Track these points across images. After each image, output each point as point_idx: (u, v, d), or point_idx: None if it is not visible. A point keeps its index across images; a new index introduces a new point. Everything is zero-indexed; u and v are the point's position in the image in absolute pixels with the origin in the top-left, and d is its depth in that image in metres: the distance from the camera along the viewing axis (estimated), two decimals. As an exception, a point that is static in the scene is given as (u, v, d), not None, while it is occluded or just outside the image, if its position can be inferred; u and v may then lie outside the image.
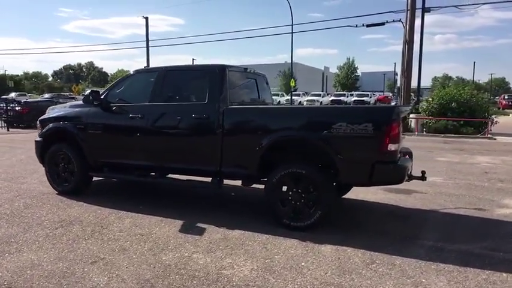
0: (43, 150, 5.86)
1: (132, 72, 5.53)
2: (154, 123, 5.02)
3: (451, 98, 16.22)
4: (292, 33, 32.74)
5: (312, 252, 3.78)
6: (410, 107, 5.82)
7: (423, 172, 4.79)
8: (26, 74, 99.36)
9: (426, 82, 72.55)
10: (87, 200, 5.44)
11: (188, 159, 4.93)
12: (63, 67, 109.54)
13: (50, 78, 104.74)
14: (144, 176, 5.34)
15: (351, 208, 5.54)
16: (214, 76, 4.77)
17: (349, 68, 57.37)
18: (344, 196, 5.83)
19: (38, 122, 6.03)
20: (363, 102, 38.62)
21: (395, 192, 6.27)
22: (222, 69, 4.78)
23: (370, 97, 41.63)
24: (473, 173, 8.15)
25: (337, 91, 53.74)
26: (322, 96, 42.04)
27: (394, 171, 4.04)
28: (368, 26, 18.78)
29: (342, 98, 40.96)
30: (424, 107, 17.35)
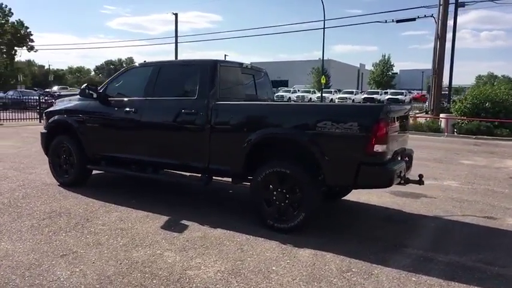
0: (47, 142, 6.01)
1: (130, 67, 5.53)
2: (147, 118, 5.00)
3: (486, 97, 15.29)
4: (324, 28, 32.19)
5: (288, 256, 3.61)
6: (409, 106, 5.42)
7: (420, 176, 4.49)
8: (70, 68, 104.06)
9: (469, 81, 69.22)
10: (85, 192, 5.52)
11: (178, 155, 4.88)
12: (105, 62, 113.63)
13: (92, 73, 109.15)
14: (139, 171, 5.34)
15: (346, 211, 5.30)
16: (205, 71, 4.67)
17: (385, 65, 55.57)
18: (344, 198, 5.60)
19: (44, 114, 6.18)
20: (397, 100, 37.32)
21: (402, 196, 5.96)
22: (212, 64, 4.68)
23: (405, 95, 40.16)
24: (496, 178, 7.61)
25: (371, 89, 52.29)
26: (355, 94, 41.06)
27: (380, 173, 3.78)
28: (398, 21, 18.05)
29: (374, 96, 39.75)
30: (457, 107, 16.47)
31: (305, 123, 4.02)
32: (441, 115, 16.48)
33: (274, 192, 4.18)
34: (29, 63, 71.29)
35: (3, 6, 34.29)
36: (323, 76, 34.20)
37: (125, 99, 5.27)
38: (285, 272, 3.28)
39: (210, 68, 4.65)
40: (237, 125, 4.40)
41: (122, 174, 5.78)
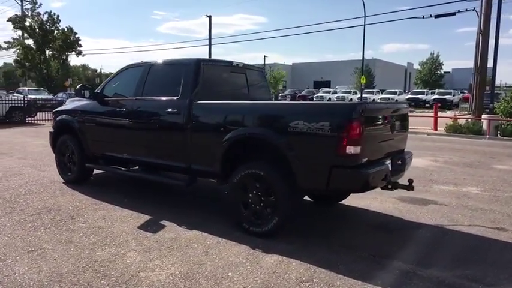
0: (54, 141, 6.26)
1: (125, 67, 5.61)
2: (135, 118, 5.03)
3: (535, 97, 14.00)
4: (364, 25, 31.17)
5: (251, 261, 3.45)
6: (405, 105, 5.00)
7: (410, 181, 4.14)
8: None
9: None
10: (84, 190, 5.67)
11: (163, 155, 4.87)
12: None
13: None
14: (132, 171, 5.41)
15: (339, 216, 5.01)
16: (188, 70, 4.61)
17: (433, 64, 52.76)
18: (344, 202, 5.32)
19: (52, 114, 6.45)
20: (444, 100, 35.34)
21: (408, 202, 5.56)
22: (196, 63, 4.61)
23: (454, 95, 37.87)
24: (527, 185, 6.90)
25: (417, 88, 49.91)
26: (398, 94, 39.34)
27: (352, 177, 3.50)
28: (437, 16, 17.02)
29: (419, 96, 37.87)
30: (502, 107, 15.25)
31: (278, 122, 3.84)
32: (483, 116, 15.34)
33: (250, 195, 4.03)
34: (83, 67, 75.61)
35: (52, 14, 36.86)
36: (362, 76, 33.13)
37: (118, 99, 5.35)
38: (239, 279, 3.13)
39: (193, 67, 4.58)
40: (215, 125, 4.30)
41: (114, 173, 5.86)
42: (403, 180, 4.32)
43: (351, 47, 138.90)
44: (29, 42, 37.09)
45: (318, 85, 60.71)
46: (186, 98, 4.51)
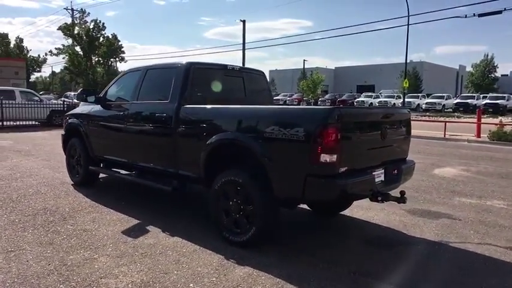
0: (65, 144, 6.46)
1: (126, 71, 5.68)
2: (130, 121, 5.05)
3: None
4: (408, 25, 29.95)
5: (219, 273, 3.30)
6: (404, 110, 4.62)
7: (402, 192, 3.79)
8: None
9: None
10: (88, 192, 5.79)
11: (154, 159, 4.85)
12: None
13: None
14: (128, 175, 5.45)
15: (334, 227, 4.72)
16: (178, 74, 4.56)
17: (486, 66, 49.54)
18: (347, 213, 5.03)
19: (64, 117, 6.67)
20: (496, 105, 33.11)
21: (418, 215, 5.17)
22: (186, 67, 4.55)
23: (508, 100, 35.30)
24: None
25: (469, 92, 47.08)
26: (446, 98, 37.38)
27: (327, 187, 3.25)
28: (480, 15, 15.91)
29: (469, 100, 35.65)
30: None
31: (255, 128, 3.67)
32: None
33: (230, 203, 3.88)
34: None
35: (98, 21, 38.99)
36: (405, 80, 31.76)
37: (117, 103, 5.41)
38: (198, 291, 2.99)
39: (183, 71, 4.52)
40: (200, 130, 4.20)
41: (114, 176, 5.91)
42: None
43: (401, 50, 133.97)
44: (77, 49, 39.51)
45: (362, 89, 59.11)
46: (175, 102, 4.46)
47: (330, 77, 69.45)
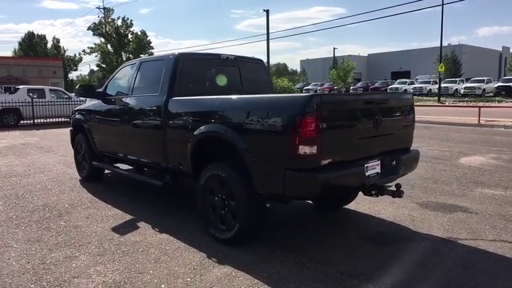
0: (72, 139, 6.52)
1: (124, 64, 5.60)
2: (125, 116, 4.97)
3: None
4: (442, 4, 28.25)
5: (195, 273, 3.14)
6: (405, 96, 4.21)
7: (398, 186, 3.46)
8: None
9: None
10: (93, 187, 5.82)
11: (147, 154, 4.75)
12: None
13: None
14: (125, 170, 5.40)
15: (335, 222, 4.42)
16: (168, 66, 4.40)
17: (532, 46, 46.17)
18: (354, 205, 4.73)
19: (72, 113, 6.73)
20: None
21: (430, 208, 4.78)
22: (175, 58, 4.38)
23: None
24: None
25: (512, 75, 44.12)
26: (486, 82, 35.19)
27: (306, 182, 2.98)
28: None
29: (511, 84, 33.39)
30: None
31: (235, 119, 3.45)
32: None
33: (216, 198, 3.70)
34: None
35: (125, 18, 39.78)
36: (441, 64, 30.18)
37: (114, 97, 5.35)
38: (168, 293, 2.84)
39: (172, 63, 4.35)
40: (186, 122, 4.02)
41: (113, 171, 5.86)
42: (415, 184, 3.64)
43: (438, 33, 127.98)
44: (108, 47, 40.59)
45: (397, 76, 56.94)
46: (163, 95, 4.31)
47: (362, 64, 67.45)
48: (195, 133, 3.79)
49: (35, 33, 52.47)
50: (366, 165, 3.39)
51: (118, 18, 40.39)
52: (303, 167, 2.97)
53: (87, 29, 39.89)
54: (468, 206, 4.87)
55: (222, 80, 4.75)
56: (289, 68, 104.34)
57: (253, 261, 3.33)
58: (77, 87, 5.56)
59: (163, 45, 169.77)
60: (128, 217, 4.53)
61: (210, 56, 4.86)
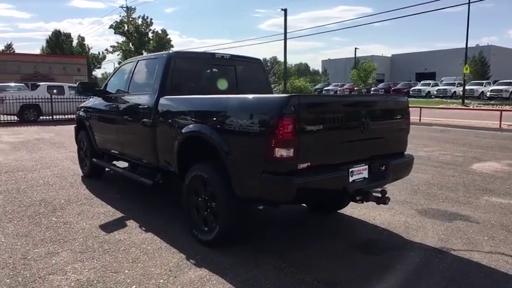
0: (76, 136, 6.61)
1: (123, 62, 5.63)
2: (121, 114, 4.99)
3: None
4: (469, 3, 27.34)
5: (169, 275, 3.09)
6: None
7: (383, 192, 3.31)
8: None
9: None
10: (92, 184, 5.89)
11: (140, 152, 4.75)
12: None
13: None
14: (120, 168, 5.43)
15: (325, 227, 4.28)
16: (160, 65, 4.39)
17: None
18: (348, 210, 4.60)
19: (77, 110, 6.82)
20: None
21: (429, 216, 4.61)
22: (167, 57, 4.37)
23: None
24: None
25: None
26: (514, 85, 33.87)
27: (281, 186, 2.89)
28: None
29: (542, 86, 32.02)
30: None
31: (217, 119, 3.38)
32: None
33: (199, 199, 3.66)
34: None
35: (145, 17, 40.41)
36: (466, 66, 29.24)
37: (112, 95, 5.38)
38: (137, 294, 2.81)
39: (164, 62, 4.34)
40: (173, 122, 3.99)
41: (109, 168, 5.89)
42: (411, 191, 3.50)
43: (470, 34, 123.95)
44: (130, 45, 41.36)
45: (421, 77, 55.55)
46: (155, 93, 4.30)
47: (386, 65, 66.23)
48: (181, 133, 3.75)
49: (62, 32, 54.03)
50: (350, 170, 3.26)
51: (138, 17, 41.15)
52: (279, 171, 2.88)
53: (109, 28, 40.85)
54: (470, 214, 4.66)
55: (215, 80, 4.70)
56: (310, 68, 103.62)
57: (231, 264, 3.26)
58: (77, 84, 5.63)
59: (187, 44, 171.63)
60: (119, 215, 4.54)
61: (204, 55, 4.82)
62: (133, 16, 40.43)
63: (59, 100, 16.15)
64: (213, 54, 4.78)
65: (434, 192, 5.67)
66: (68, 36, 53.66)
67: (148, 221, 4.32)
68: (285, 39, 22.17)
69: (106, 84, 5.67)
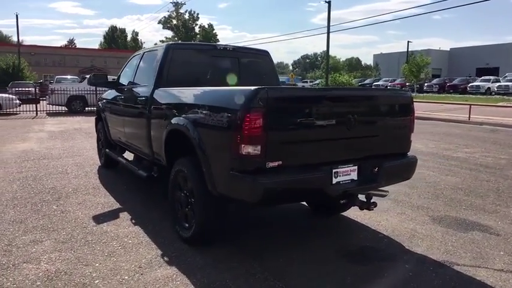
0: (96, 126, 6.78)
1: (133, 54, 5.63)
2: (125, 106, 5.01)
3: None
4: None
5: (136, 272, 3.00)
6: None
7: (368, 196, 2.99)
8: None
9: None
10: (105, 174, 6.04)
11: (139, 144, 4.71)
12: (301, 57, 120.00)
13: (290, 67, 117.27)
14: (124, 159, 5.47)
15: (322, 230, 4.00)
16: (159, 57, 4.32)
17: None
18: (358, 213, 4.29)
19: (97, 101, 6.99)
20: None
21: (442, 224, 4.20)
22: (165, 48, 4.28)
23: None
24: None
25: None
26: None
27: (246, 186, 2.67)
28: None
29: None
30: None
31: (195, 113, 3.22)
32: None
33: (182, 195, 3.54)
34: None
35: (192, 12, 41.04)
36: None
37: (121, 87, 5.41)
38: (96, 290, 2.74)
39: (162, 54, 4.26)
40: (163, 115, 3.90)
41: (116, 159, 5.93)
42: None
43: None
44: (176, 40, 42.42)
45: (482, 73, 51.76)
46: (152, 85, 4.24)
47: (443, 59, 62.51)
48: (166, 125, 3.65)
49: (117, 27, 56.73)
50: (334, 171, 2.98)
51: (185, 11, 42.00)
52: (246, 169, 2.67)
53: (157, 23, 42.23)
54: (492, 225, 4.15)
55: (216, 72, 4.55)
56: (363, 63, 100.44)
57: (204, 264, 3.11)
58: (90, 75, 5.73)
59: (239, 38, 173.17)
60: (116, 206, 4.56)
61: (204, 47, 4.70)
62: (181, 11, 41.59)
63: (103, 92, 16.82)
64: (215, 45, 4.64)
65: (459, 197, 5.14)
66: (122, 31, 56.27)
67: (142, 213, 4.29)
68: (328, 32, 21.49)
69: (119, 76, 5.73)
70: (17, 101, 16.65)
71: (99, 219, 4.14)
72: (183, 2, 41.56)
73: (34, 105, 16.44)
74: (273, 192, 2.68)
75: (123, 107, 5.06)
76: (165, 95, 3.94)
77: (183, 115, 3.37)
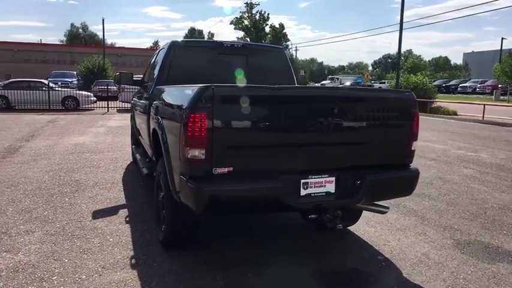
0: (131, 123, 7.02)
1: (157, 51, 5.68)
2: (139, 103, 5.08)
3: None
4: None
5: (93, 273, 2.95)
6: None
7: (335, 215, 2.58)
8: (350, 64, 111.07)
9: None
10: (131, 170, 6.18)
11: (145, 142, 4.72)
12: (383, 56, 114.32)
13: (370, 68, 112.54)
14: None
15: (319, 244, 3.60)
16: (164, 54, 4.28)
17: None
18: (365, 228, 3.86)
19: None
20: None
21: (467, 252, 3.60)
22: (169, 46, 4.23)
23: None
24: None
25: None
26: None
27: (190, 192, 2.43)
28: None
29: None
30: None
31: (163, 111, 3.08)
32: None
33: (161, 197, 3.43)
34: (311, 60, 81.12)
35: (263, 12, 41.19)
36: None
37: (144, 85, 5.47)
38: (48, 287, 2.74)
39: (166, 51, 4.22)
40: (154, 112, 3.82)
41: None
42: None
43: None
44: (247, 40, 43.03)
45: None
46: (153, 83, 4.22)
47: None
48: (152, 125, 3.57)
49: (195, 29, 59.52)
50: (303, 181, 2.63)
51: (256, 12, 42.43)
52: (194, 174, 2.45)
53: (229, 24, 43.23)
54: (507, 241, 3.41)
55: (221, 70, 4.37)
56: (452, 62, 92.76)
57: (167, 271, 2.97)
58: (116, 74, 5.91)
59: (318, 38, 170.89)
60: (122, 202, 4.62)
61: (209, 44, 4.53)
62: (253, 12, 42.10)
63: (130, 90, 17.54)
64: (222, 42, 4.45)
65: (504, 220, 4.35)
66: (200, 32, 58.88)
67: (141, 211, 4.28)
68: (401, 29, 20.04)
69: (144, 74, 5.83)
70: (93, 98, 18.10)
71: (98, 214, 4.21)
72: (256, 3, 42.33)
73: (105, 102, 17.71)
74: (219, 201, 2.43)
75: (138, 105, 5.13)
76: (157, 93, 3.86)
77: (160, 114, 3.25)
